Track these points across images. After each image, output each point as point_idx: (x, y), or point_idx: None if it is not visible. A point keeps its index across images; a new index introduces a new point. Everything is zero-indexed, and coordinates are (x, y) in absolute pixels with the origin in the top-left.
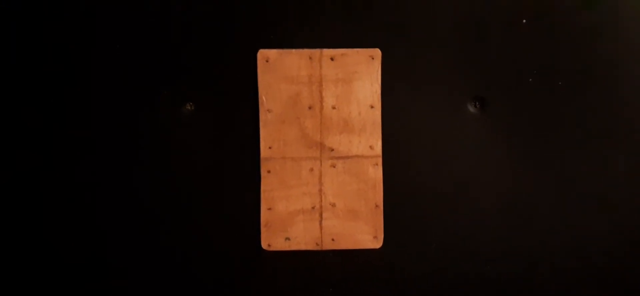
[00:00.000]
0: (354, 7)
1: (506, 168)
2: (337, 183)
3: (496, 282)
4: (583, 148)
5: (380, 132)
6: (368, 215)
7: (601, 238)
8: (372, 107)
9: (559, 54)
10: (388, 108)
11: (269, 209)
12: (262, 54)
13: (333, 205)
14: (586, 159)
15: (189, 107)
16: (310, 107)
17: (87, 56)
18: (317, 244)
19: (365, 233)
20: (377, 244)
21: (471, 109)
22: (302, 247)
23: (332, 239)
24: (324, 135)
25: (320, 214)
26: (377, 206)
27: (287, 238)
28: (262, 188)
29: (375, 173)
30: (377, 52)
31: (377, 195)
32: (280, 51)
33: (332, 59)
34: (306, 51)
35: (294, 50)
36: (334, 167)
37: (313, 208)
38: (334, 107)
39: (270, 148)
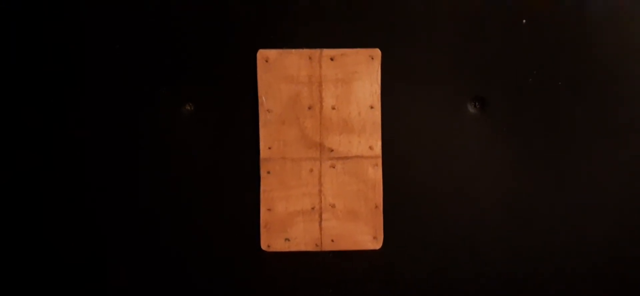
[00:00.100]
0: (354, 7)
1: (506, 168)
2: (336, 183)
3: (496, 282)
4: (583, 148)
5: (380, 132)
6: (368, 216)
7: (601, 238)
8: (371, 107)
9: (559, 54)
10: (388, 108)
11: (269, 210)
12: (262, 54)
13: (333, 206)
14: (586, 159)
15: (189, 108)
16: (310, 108)
17: (87, 56)
18: (316, 245)
19: (365, 234)
20: (377, 245)
21: (471, 109)
22: (302, 248)
23: (332, 240)
24: (324, 135)
25: (320, 215)
26: (376, 206)
27: (287, 239)
28: (262, 188)
29: (375, 173)
30: (376, 52)
31: (377, 196)
32: (280, 51)
33: (331, 59)
34: (306, 51)
35: (293, 50)
36: (334, 167)
37: (313, 208)
38: (333, 108)
39: (269, 148)
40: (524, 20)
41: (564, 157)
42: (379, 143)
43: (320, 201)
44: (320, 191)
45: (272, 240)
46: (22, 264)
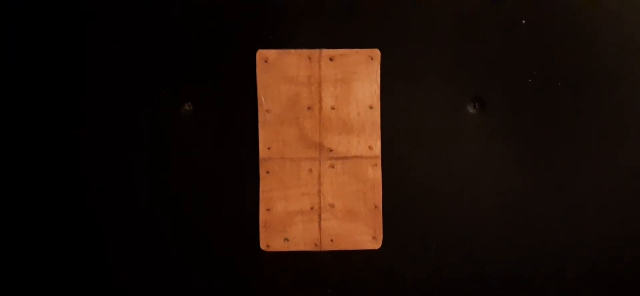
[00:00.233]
0: (354, 7)
1: (506, 168)
2: (336, 183)
3: (496, 282)
4: (583, 148)
5: (379, 132)
6: (367, 216)
7: (601, 238)
8: (371, 107)
9: (559, 54)
10: (387, 109)
11: (268, 209)
12: (261, 54)
13: (332, 206)
14: (586, 159)
15: (188, 108)
16: (309, 108)
17: (86, 56)
18: (316, 245)
19: (364, 234)
20: (376, 245)
21: (471, 109)
22: (301, 248)
23: (331, 240)
24: (323, 136)
25: (319, 215)
26: (376, 206)
27: (286, 239)
28: (261, 188)
29: (375, 173)
30: (376, 53)
31: (376, 196)
32: (280, 51)
33: (331, 59)
34: (305, 51)
35: (293, 50)
36: (333, 167)
37: (312, 208)
38: (333, 108)
39: (269, 148)
40: (524, 21)
41: (564, 157)
42: (379, 143)
43: (320, 201)
44: (319, 191)
45: (271, 240)
46: (22, 264)
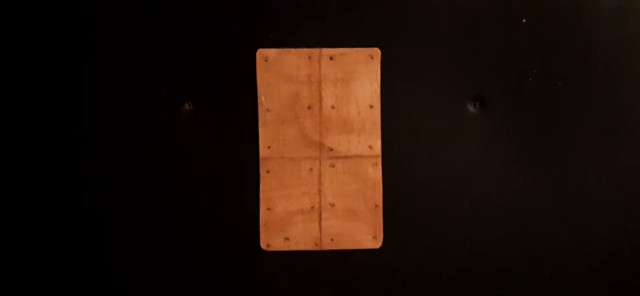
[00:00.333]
0: (354, 6)
1: (506, 168)
2: (336, 183)
3: (496, 282)
4: (583, 148)
5: (379, 132)
6: (367, 215)
7: (601, 238)
8: (371, 106)
9: (559, 54)
10: (387, 108)
11: (268, 209)
12: (261, 53)
13: (332, 205)
14: (586, 159)
15: (188, 107)
16: (309, 107)
17: (86, 56)
18: (316, 244)
19: (364, 233)
20: (377, 244)
21: (471, 109)
22: (302, 247)
23: (332, 240)
24: (323, 135)
25: (320, 214)
26: (376, 206)
27: (286, 238)
28: (261, 188)
29: (375, 172)
30: (376, 52)
31: (377, 195)
32: (280, 50)
33: (331, 58)
34: (305, 51)
35: (293, 49)
36: (333, 167)
37: (312, 208)
38: (333, 107)
39: (269, 147)
40: (524, 20)
41: (564, 157)
42: (379, 142)
43: (320, 201)
44: (319, 190)
45: (271, 239)
46: (22, 264)
